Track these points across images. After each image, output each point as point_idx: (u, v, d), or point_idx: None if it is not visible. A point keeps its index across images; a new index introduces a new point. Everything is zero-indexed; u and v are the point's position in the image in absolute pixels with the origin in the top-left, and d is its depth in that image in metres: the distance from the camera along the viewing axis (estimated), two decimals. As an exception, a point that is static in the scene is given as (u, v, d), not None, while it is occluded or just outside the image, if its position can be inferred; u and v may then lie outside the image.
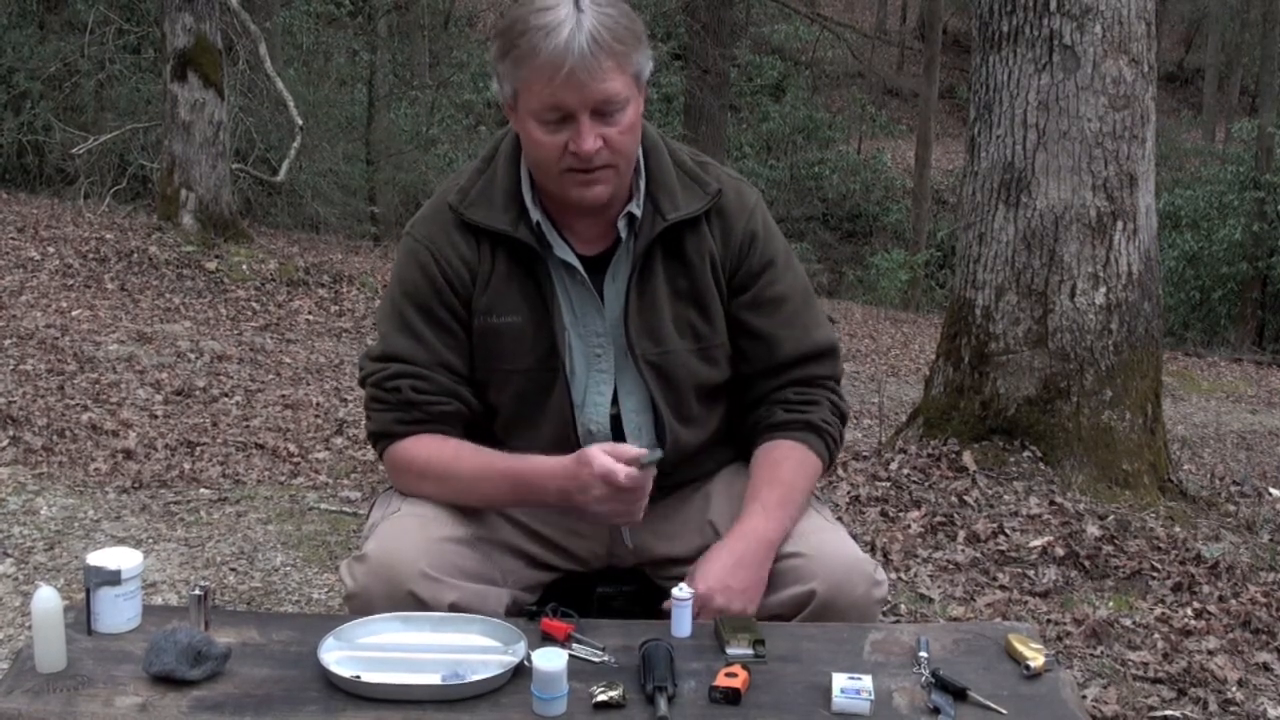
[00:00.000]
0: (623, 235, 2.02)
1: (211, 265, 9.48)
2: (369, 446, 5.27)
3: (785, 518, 1.99)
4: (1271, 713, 3.00)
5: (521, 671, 1.64)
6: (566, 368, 2.02)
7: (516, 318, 2.02)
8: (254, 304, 9.04)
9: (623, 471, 1.86)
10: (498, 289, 2.02)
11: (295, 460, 5.17)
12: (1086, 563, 3.97)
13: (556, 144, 1.89)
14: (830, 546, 1.97)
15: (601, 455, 1.87)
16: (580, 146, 1.87)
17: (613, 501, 1.89)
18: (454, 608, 1.85)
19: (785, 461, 2.06)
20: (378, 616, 1.79)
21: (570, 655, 1.65)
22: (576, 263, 2.02)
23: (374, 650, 1.71)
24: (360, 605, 1.85)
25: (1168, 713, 2.98)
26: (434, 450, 2.02)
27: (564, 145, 1.89)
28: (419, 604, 1.83)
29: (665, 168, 2.04)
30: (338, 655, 1.69)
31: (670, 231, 2.02)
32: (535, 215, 2.00)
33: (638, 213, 2.01)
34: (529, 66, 1.86)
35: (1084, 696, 2.94)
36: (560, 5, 1.85)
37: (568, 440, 2.05)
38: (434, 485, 2.01)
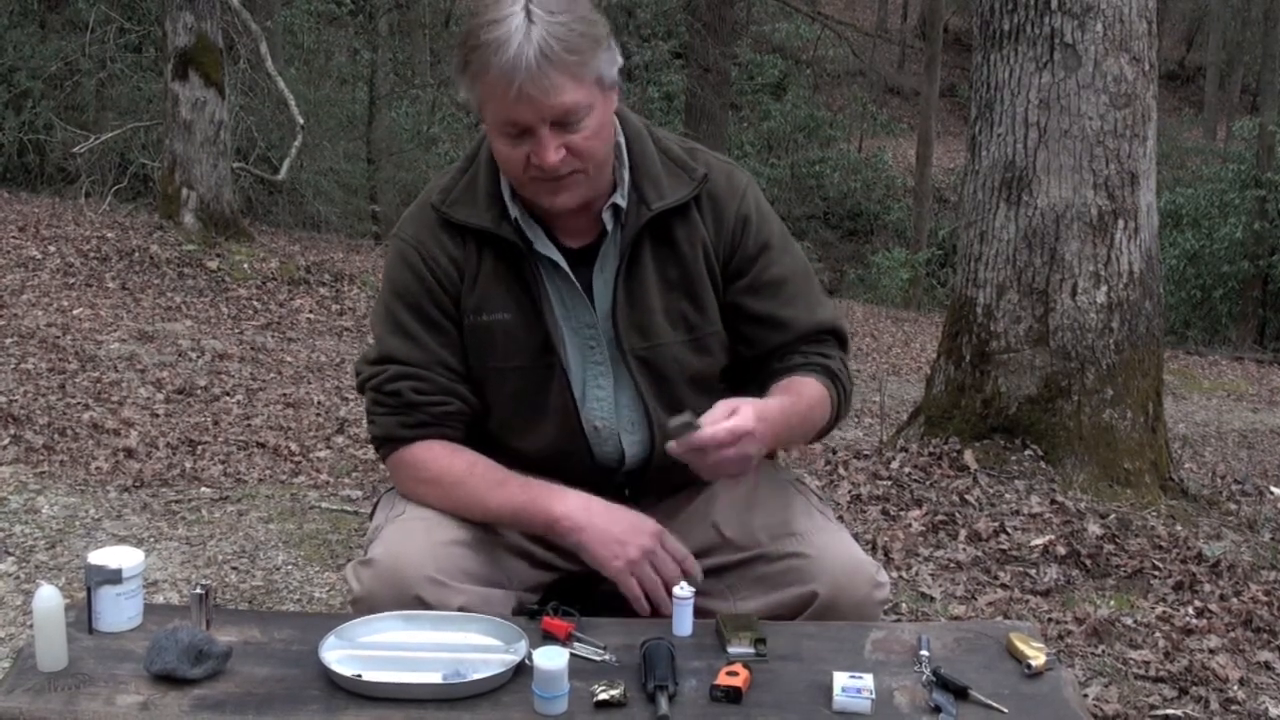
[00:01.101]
0: (609, 227, 2.00)
1: (213, 264, 9.48)
2: (370, 446, 5.31)
3: (788, 431, 1.97)
4: (1273, 711, 3.00)
5: (523, 670, 1.64)
6: (563, 362, 2.01)
7: (506, 315, 2.00)
8: (255, 303, 9.05)
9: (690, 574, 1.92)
10: (486, 287, 2.01)
11: (296, 459, 5.17)
12: (1088, 561, 3.97)
13: (519, 156, 1.87)
14: (833, 548, 1.96)
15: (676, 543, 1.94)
16: (543, 160, 1.85)
17: (647, 565, 1.91)
18: (461, 612, 1.84)
19: (806, 386, 2.01)
20: (379, 615, 1.78)
21: (571, 654, 1.65)
22: (559, 258, 2.00)
23: (375, 649, 1.71)
24: (366, 609, 1.83)
25: (1169, 712, 2.98)
26: (445, 463, 2.01)
27: (526, 157, 1.87)
28: (426, 609, 1.83)
29: (650, 156, 2.01)
30: (339, 654, 1.68)
31: (658, 220, 1.99)
32: (514, 211, 1.98)
33: (623, 204, 1.99)
34: (483, 83, 1.83)
35: (1085, 695, 2.94)
36: (511, 16, 1.79)
37: (574, 437, 2.04)
38: (440, 494, 2.00)
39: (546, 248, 2.00)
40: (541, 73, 1.78)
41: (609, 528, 1.92)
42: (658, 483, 2.13)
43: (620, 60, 1.93)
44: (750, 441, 1.82)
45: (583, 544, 1.92)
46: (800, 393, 1.99)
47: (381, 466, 4.97)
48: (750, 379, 2.11)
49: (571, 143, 1.85)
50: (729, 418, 1.81)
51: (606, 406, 2.06)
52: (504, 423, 2.08)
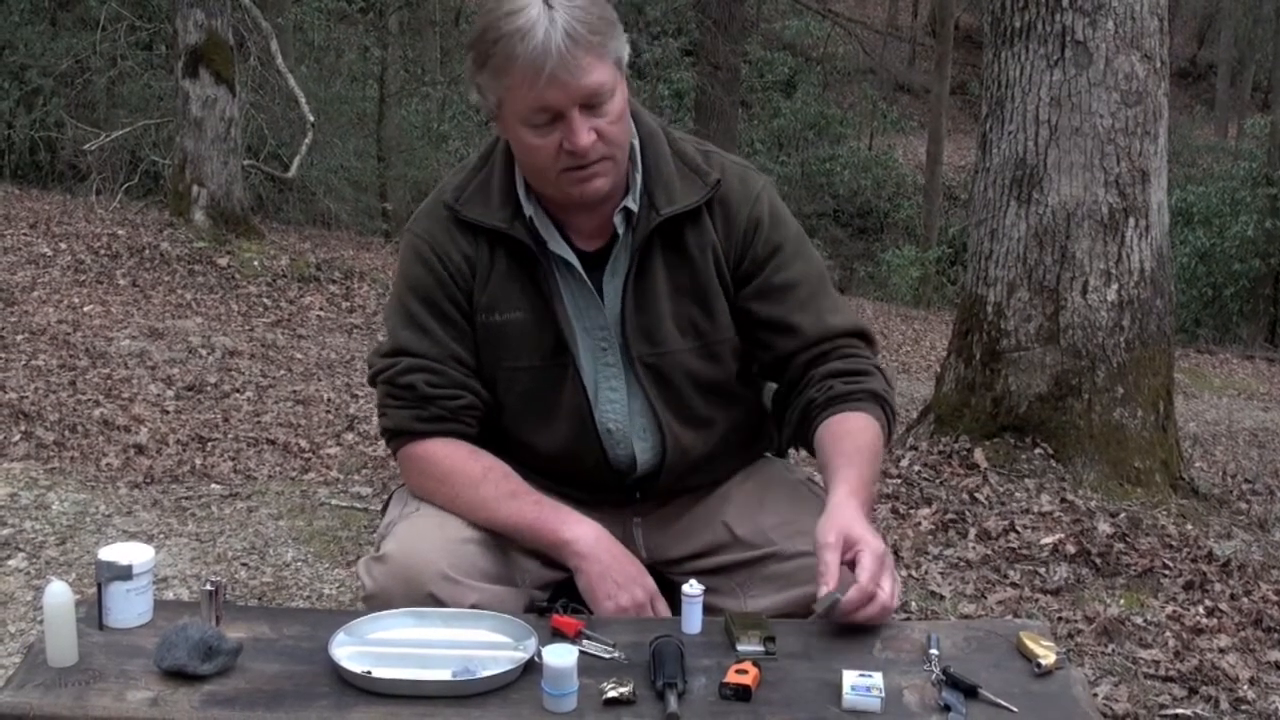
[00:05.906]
0: (619, 230, 1.98)
1: (223, 261, 9.50)
2: (380, 442, 5.31)
3: (867, 494, 1.93)
4: (1284, 711, 2.99)
5: (532, 667, 1.64)
6: (575, 362, 2.00)
7: (518, 314, 1.99)
8: (265, 300, 9.06)
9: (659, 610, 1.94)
10: (498, 286, 2.00)
11: (306, 456, 5.18)
12: (1098, 560, 3.96)
13: (550, 145, 1.86)
14: (843, 546, 1.96)
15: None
16: (576, 143, 1.84)
17: (631, 602, 1.92)
18: (474, 609, 1.84)
19: (860, 433, 1.98)
20: (389, 612, 1.79)
21: (581, 651, 1.65)
22: (573, 259, 1.99)
23: (385, 646, 1.71)
24: (379, 605, 1.83)
25: (1179, 711, 2.97)
26: (459, 463, 2.00)
27: (558, 145, 1.85)
28: (439, 606, 1.83)
29: (663, 159, 2.00)
30: (349, 650, 1.69)
31: (668, 225, 1.98)
32: (529, 210, 1.97)
33: (634, 207, 1.97)
34: (509, 74, 1.82)
35: (1095, 694, 2.93)
36: (529, 6, 1.80)
37: (587, 438, 2.03)
38: (449, 494, 1.99)
39: (560, 247, 1.98)
40: (570, 54, 1.79)
41: (611, 567, 1.92)
42: (669, 488, 2.13)
43: (629, 48, 1.93)
44: (885, 575, 1.78)
45: (582, 571, 1.92)
46: (860, 444, 1.96)
47: (392, 463, 4.99)
48: (774, 379, 2.11)
49: (599, 127, 1.85)
50: (848, 556, 1.78)
51: (619, 409, 2.05)
52: (517, 422, 2.07)
